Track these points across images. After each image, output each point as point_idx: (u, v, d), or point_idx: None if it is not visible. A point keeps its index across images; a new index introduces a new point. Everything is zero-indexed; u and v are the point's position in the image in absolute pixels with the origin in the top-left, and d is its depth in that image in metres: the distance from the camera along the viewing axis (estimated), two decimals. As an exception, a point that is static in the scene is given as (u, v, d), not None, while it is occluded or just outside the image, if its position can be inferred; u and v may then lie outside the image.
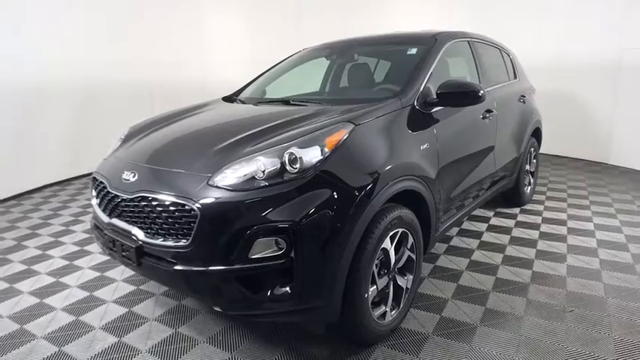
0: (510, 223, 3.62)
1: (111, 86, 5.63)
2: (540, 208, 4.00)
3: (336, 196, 1.66)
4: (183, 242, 1.65)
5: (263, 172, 1.65)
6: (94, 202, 2.12)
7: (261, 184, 1.63)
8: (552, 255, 2.98)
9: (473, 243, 3.22)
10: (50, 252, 3.25)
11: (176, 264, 1.67)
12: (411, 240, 2.12)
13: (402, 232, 2.04)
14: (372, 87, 2.76)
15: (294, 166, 1.65)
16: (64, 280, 2.78)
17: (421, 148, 2.17)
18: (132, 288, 2.62)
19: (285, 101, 2.59)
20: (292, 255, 1.58)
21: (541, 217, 3.73)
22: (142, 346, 2.04)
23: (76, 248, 3.31)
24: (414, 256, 2.17)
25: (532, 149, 4.01)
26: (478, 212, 3.87)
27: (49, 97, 4.99)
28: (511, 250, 3.07)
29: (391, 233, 1.94)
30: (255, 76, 3.34)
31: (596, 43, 5.47)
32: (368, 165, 1.83)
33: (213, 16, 6.92)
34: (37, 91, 4.84)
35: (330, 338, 2.07)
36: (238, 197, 1.60)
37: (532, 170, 4.12)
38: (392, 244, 1.98)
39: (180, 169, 1.80)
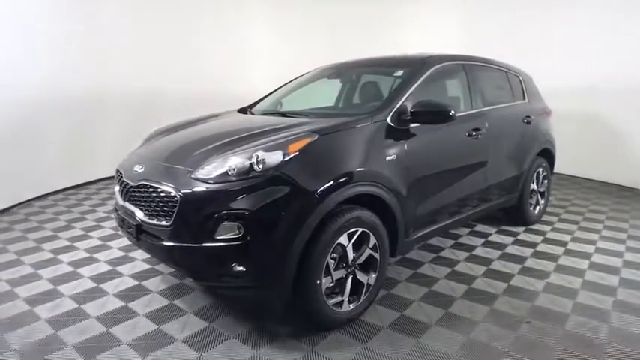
0: (509, 240, 3.68)
1: (163, 97, 6.34)
2: (547, 228, 3.99)
3: (290, 193, 1.98)
4: (167, 222, 2.04)
5: (234, 169, 2.01)
6: (116, 189, 2.60)
7: (232, 179, 1.99)
8: (536, 272, 3.04)
9: (462, 255, 3.34)
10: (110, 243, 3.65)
11: (162, 240, 2.07)
12: (373, 240, 2.37)
13: (363, 231, 2.30)
14: (359, 104, 3.05)
15: (259, 167, 2.00)
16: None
17: (387, 159, 2.42)
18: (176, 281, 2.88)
19: (283, 114, 2.95)
20: (248, 238, 1.92)
21: (543, 237, 3.74)
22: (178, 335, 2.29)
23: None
24: (377, 256, 2.42)
25: (540, 169, 4.03)
26: (480, 228, 3.96)
27: (110, 105, 5.76)
28: (497, 265, 3.17)
29: (349, 231, 2.22)
30: (270, 91, 3.76)
31: (632, 65, 5.29)
32: (325, 169, 2.13)
33: (256, 35, 7.49)
34: (99, 99, 5.62)
35: (294, 319, 2.36)
36: (210, 188, 1.98)
37: (541, 191, 4.13)
38: (350, 241, 2.24)
39: (174, 165, 2.21)
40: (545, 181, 4.17)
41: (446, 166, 2.89)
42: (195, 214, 1.96)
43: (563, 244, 3.60)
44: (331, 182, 2.11)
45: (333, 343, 2.19)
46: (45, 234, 3.78)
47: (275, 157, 2.02)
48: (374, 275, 2.42)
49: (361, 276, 2.36)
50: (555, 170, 6.23)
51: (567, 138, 5.95)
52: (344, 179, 2.16)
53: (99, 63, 5.48)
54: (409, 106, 2.59)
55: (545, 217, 4.28)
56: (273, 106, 3.39)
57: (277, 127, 2.42)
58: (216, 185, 1.98)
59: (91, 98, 5.45)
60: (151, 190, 2.16)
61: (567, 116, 5.94)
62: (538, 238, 3.72)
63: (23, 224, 4.06)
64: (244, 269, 1.96)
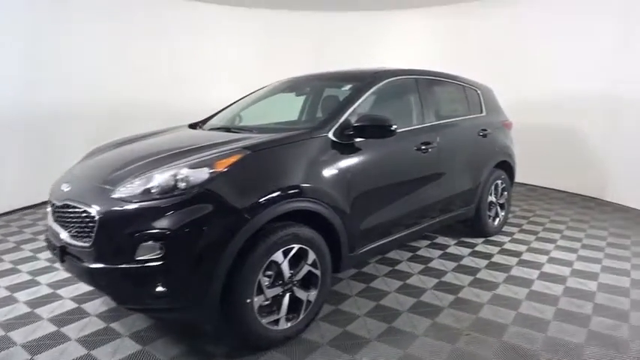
0: (466, 252, 3.69)
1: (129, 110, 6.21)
2: (506, 239, 4.01)
3: (215, 211, 1.96)
4: (87, 243, 1.99)
5: (157, 187, 1.98)
6: (48, 208, 2.53)
7: (154, 198, 1.96)
8: (486, 283, 3.04)
9: (417, 268, 3.33)
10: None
11: (83, 261, 2.01)
12: (312, 256, 2.35)
13: (300, 248, 2.27)
14: (309, 119, 3.06)
15: (183, 184, 1.97)
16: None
17: (326, 174, 2.42)
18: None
19: (228, 129, 2.94)
20: (169, 259, 1.88)
21: (500, 248, 3.76)
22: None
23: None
24: (317, 272, 2.39)
25: (499, 181, 4.07)
26: (441, 240, 3.97)
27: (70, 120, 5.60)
28: (449, 277, 3.16)
29: (284, 248, 2.19)
30: (226, 105, 3.74)
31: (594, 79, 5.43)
32: (255, 186, 2.12)
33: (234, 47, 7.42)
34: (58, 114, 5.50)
35: (230, 339, 2.31)
36: (130, 207, 1.95)
37: (501, 202, 4.16)
38: (285, 258, 2.21)
39: (96, 183, 2.17)
40: (505, 193, 4.21)
41: (393, 180, 2.90)
42: (114, 235, 1.93)
43: (518, 254, 3.62)
44: (261, 199, 2.10)
45: (267, 361, 2.14)
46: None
47: (200, 174, 2.00)
48: (314, 292, 2.39)
49: (300, 293, 2.33)
50: (524, 181, 6.40)
51: (537, 150, 6.11)
52: (276, 196, 2.15)
53: (61, 77, 5.37)
54: (353, 121, 2.60)
55: (506, 228, 4.31)
56: (226, 120, 3.37)
57: (213, 143, 2.41)
58: (136, 204, 1.95)
59: (51, 113, 5.29)
60: (73, 210, 2.11)
61: (539, 129, 6.09)
62: (495, 250, 3.74)
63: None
64: (166, 290, 1.91)
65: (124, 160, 2.37)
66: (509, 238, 4.04)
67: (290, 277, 2.27)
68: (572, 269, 3.28)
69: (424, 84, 3.36)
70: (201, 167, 2.03)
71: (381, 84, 2.98)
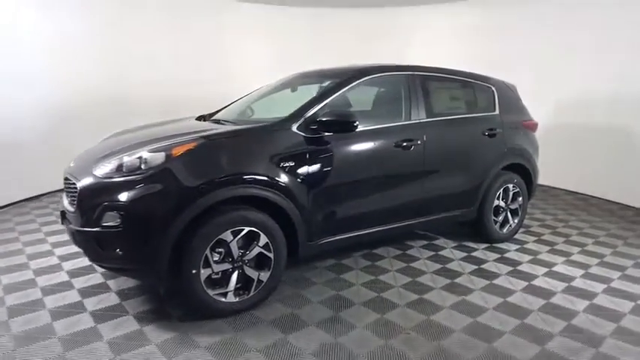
0: (459, 255, 3.58)
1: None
2: (512, 248, 3.79)
3: (165, 190, 2.25)
4: (73, 209, 2.42)
5: (125, 167, 2.33)
6: None
7: (120, 175, 2.31)
8: (458, 288, 2.97)
9: (398, 265, 3.33)
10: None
11: (70, 224, 2.45)
12: (264, 240, 2.54)
13: (250, 230, 2.48)
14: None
15: (144, 165, 2.29)
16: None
17: (285, 165, 2.58)
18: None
19: (217, 121, 3.22)
20: (125, 226, 2.22)
21: (499, 256, 3.58)
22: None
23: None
24: (270, 255, 2.58)
25: (510, 185, 3.84)
26: (441, 242, 3.88)
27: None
28: (425, 278, 3.13)
29: (233, 229, 2.42)
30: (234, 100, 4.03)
31: None
32: (205, 170, 2.36)
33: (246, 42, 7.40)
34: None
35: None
36: (100, 182, 2.32)
37: (512, 208, 3.92)
38: (234, 238, 2.44)
39: (90, 162, 2.58)
40: (520, 199, 3.96)
41: (363, 176, 2.95)
42: (88, 203, 2.31)
43: (516, 264, 3.42)
44: (209, 183, 2.34)
45: (208, 327, 2.40)
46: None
47: (157, 158, 2.31)
48: (267, 273, 2.59)
49: (250, 272, 2.54)
50: (574, 189, 5.85)
51: (595, 155, 5.55)
52: (223, 181, 2.38)
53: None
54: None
55: (521, 237, 4.06)
56: (231, 113, 3.65)
57: (190, 132, 2.70)
58: (106, 180, 2.32)
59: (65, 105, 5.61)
60: (69, 182, 2.56)
61: (595, 131, 5.54)
62: (492, 257, 3.57)
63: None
64: (123, 253, 2.26)
65: (119, 144, 2.76)
66: (518, 247, 3.81)
67: (240, 256, 2.50)
68: (568, 286, 3.03)
69: (417, 80, 3.31)
70: (159, 152, 2.34)
71: (361, 80, 3.03)
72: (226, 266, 2.47)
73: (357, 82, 3.03)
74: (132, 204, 2.22)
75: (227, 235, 2.42)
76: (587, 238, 4.10)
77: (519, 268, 3.35)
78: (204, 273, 2.38)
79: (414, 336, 2.37)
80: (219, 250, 2.44)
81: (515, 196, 3.94)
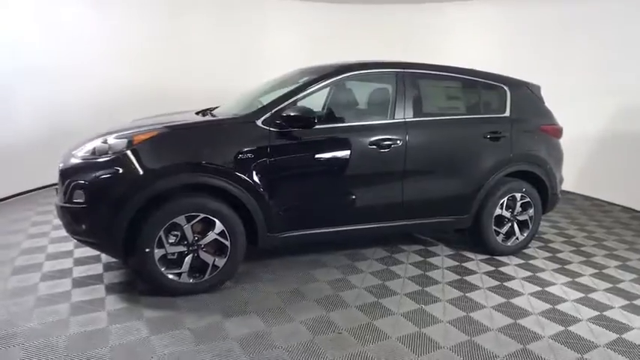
0: (450, 264, 3.37)
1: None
2: (514, 262, 3.47)
3: (123, 173, 2.48)
4: (58, 187, 2.76)
5: (97, 151, 2.60)
6: None
7: (89, 158, 2.59)
8: (424, 297, 2.82)
9: (376, 268, 3.25)
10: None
11: (56, 198, 2.81)
12: (220, 227, 2.67)
13: (205, 217, 2.62)
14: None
15: (110, 150, 2.55)
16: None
17: (242, 157, 2.67)
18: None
19: (210, 114, 3.40)
20: (87, 204, 2.49)
21: (492, 269, 3.31)
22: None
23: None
24: (227, 243, 2.70)
25: (517, 194, 3.51)
26: (437, 249, 3.68)
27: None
28: (396, 283, 3.01)
29: (187, 214, 2.58)
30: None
31: None
32: (163, 158, 2.55)
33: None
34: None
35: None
36: (74, 164, 2.61)
37: (521, 219, 3.58)
38: (188, 223, 2.60)
39: (76, 146, 2.90)
40: (530, 210, 3.59)
41: (330, 173, 2.94)
42: (64, 182, 2.62)
43: (506, 279, 3.14)
44: (165, 169, 2.53)
45: (156, 303, 2.59)
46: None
47: (120, 144, 2.55)
48: (223, 259, 2.72)
49: (205, 257, 2.68)
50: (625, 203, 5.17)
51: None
52: (179, 168, 2.55)
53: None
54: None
55: (533, 252, 3.70)
56: (228, 107, 3.80)
57: (167, 120, 2.91)
58: (79, 162, 2.61)
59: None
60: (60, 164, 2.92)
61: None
62: (485, 269, 3.31)
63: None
64: (86, 228, 2.54)
65: (109, 131, 3.09)
66: (521, 262, 3.48)
67: (195, 241, 2.65)
68: (551, 308, 2.72)
69: (407, 78, 3.18)
70: (123, 139, 2.58)
71: (340, 77, 3.01)
72: (181, 249, 2.64)
73: (335, 79, 3.01)
74: (93, 184, 2.49)
75: (181, 220, 2.59)
76: (612, 259, 3.60)
77: (507, 284, 3.07)
78: (157, 253, 2.57)
79: (344, 336, 2.34)
80: (176, 233, 2.62)
81: (525, 206, 3.59)
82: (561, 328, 2.49)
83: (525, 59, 5.99)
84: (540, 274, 3.25)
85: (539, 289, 3.01)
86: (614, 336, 2.44)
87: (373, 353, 2.20)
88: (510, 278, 3.17)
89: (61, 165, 2.72)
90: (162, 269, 2.61)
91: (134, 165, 2.51)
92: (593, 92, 5.50)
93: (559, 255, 3.68)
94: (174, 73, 6.38)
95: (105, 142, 2.60)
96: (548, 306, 2.75)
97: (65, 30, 5.31)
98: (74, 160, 2.65)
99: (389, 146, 3.03)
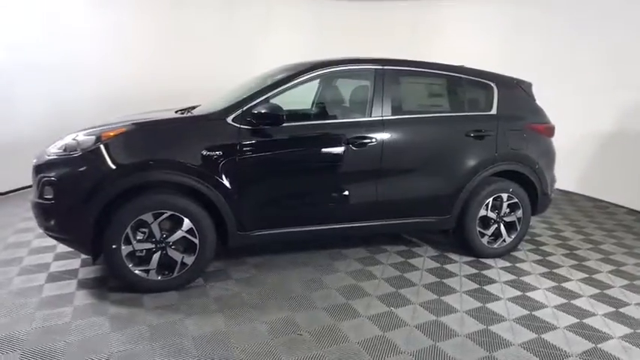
0: (431, 266, 3.28)
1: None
2: (500, 264, 3.35)
3: (90, 170, 2.50)
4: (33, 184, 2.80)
5: (67, 147, 2.62)
6: None
7: (59, 154, 2.60)
8: (395, 299, 2.75)
9: (354, 267, 3.19)
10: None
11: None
12: (188, 225, 2.66)
13: (173, 214, 2.61)
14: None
15: (78, 147, 2.56)
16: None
17: (211, 154, 2.65)
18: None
19: (182, 110, 3.38)
20: (55, 200, 2.51)
21: (475, 272, 3.20)
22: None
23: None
24: (195, 240, 2.69)
25: (504, 195, 3.38)
26: (420, 249, 3.59)
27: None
28: (370, 284, 2.94)
29: (154, 211, 2.58)
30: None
31: None
32: (129, 154, 2.56)
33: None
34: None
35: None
36: (45, 160, 2.63)
37: (508, 220, 3.45)
38: (155, 220, 2.59)
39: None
40: (519, 211, 3.46)
41: (301, 172, 2.89)
42: (35, 178, 2.65)
43: (486, 282, 3.03)
44: (130, 166, 2.53)
45: (123, 300, 2.60)
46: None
47: (88, 141, 2.56)
48: (192, 257, 2.70)
49: (174, 254, 2.68)
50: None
51: None
52: (145, 165, 2.55)
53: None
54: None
55: (521, 254, 3.56)
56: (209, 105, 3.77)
57: (138, 117, 2.92)
58: (48, 158, 2.63)
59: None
60: None
61: None
62: (466, 271, 3.20)
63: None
64: (54, 224, 2.56)
65: (89, 126, 3.12)
66: (506, 265, 3.36)
67: (163, 238, 2.65)
68: (528, 314, 2.61)
69: (386, 75, 3.09)
70: (91, 135, 2.59)
71: (313, 75, 2.96)
72: (149, 246, 2.64)
73: (308, 76, 2.96)
74: (61, 180, 2.50)
75: (149, 217, 2.59)
76: (605, 263, 3.44)
77: (487, 287, 2.97)
78: (125, 249, 2.57)
79: (305, 337, 2.29)
80: (144, 230, 2.62)
81: (513, 207, 3.46)
82: (534, 336, 2.38)
83: (532, 56, 5.81)
84: (525, 278, 3.14)
85: (520, 293, 2.89)
86: (589, 345, 2.32)
87: (331, 356, 2.14)
88: (491, 282, 3.06)
89: (34, 161, 2.75)
90: (130, 266, 2.61)
91: (101, 161, 2.52)
92: (601, 89, 5.28)
93: (550, 258, 3.54)
94: (178, 70, 6.37)
95: (75, 138, 2.62)
96: (525, 312, 2.64)
97: (67, 27, 5.30)
98: (45, 157, 2.67)
99: (364, 145, 2.96)
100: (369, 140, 2.97)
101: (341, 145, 2.92)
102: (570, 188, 5.82)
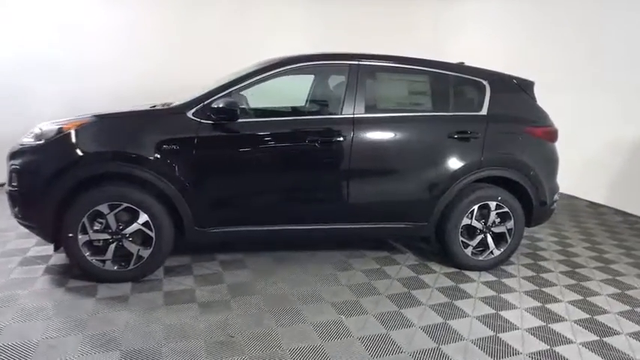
0: (406, 275, 3.07)
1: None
2: (483, 278, 3.07)
3: (50, 159, 2.57)
4: None
5: (34, 136, 2.70)
6: None
7: (29, 143, 2.69)
8: (352, 308, 2.58)
9: (326, 271, 3.05)
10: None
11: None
12: (144, 218, 2.66)
13: (128, 206, 2.63)
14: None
15: (42, 136, 2.64)
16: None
17: (168, 148, 2.63)
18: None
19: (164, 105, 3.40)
20: (18, 188, 2.60)
21: (451, 285, 2.95)
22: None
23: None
24: (151, 234, 2.69)
25: (492, 203, 3.09)
26: (403, 257, 3.38)
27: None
28: (333, 291, 2.80)
29: (110, 202, 2.60)
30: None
31: None
32: (87, 145, 2.59)
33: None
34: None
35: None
36: (15, 149, 2.73)
37: (497, 231, 3.15)
38: (111, 212, 2.62)
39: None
40: (510, 222, 3.16)
41: (261, 170, 2.80)
42: (7, 166, 2.77)
43: (462, 297, 2.78)
44: (88, 157, 2.57)
45: (78, 288, 2.64)
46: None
47: (51, 131, 2.62)
48: (148, 250, 2.71)
49: (130, 246, 2.69)
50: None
51: None
52: (100, 156, 2.59)
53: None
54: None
55: (512, 268, 3.25)
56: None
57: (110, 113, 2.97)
58: (17, 147, 2.73)
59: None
60: None
61: None
62: (443, 283, 2.96)
63: None
64: (20, 211, 2.66)
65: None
66: (489, 280, 3.07)
67: (119, 229, 2.67)
68: (492, 336, 2.35)
69: (361, 71, 2.92)
70: (55, 126, 2.65)
71: (281, 70, 2.85)
72: (105, 236, 2.67)
73: (275, 71, 2.85)
74: (24, 168, 2.59)
75: (104, 208, 2.61)
76: (609, 285, 3.05)
77: (458, 302, 2.72)
78: (82, 238, 2.62)
79: (236, 340, 2.20)
80: (101, 220, 2.66)
81: (504, 217, 3.16)
82: (488, 360, 2.15)
83: (560, 56, 5.34)
84: (505, 295, 2.85)
85: (493, 312, 2.62)
86: (550, 377, 2.05)
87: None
88: (465, 296, 2.81)
89: (8, 150, 2.88)
90: (87, 255, 2.65)
91: (61, 151, 2.58)
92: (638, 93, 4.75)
93: (544, 275, 3.20)
94: (189, 68, 6.45)
95: (41, 128, 2.71)
96: (489, 333, 2.39)
97: (79, 25, 5.49)
98: (15, 146, 2.79)
99: (329, 143, 2.82)
100: (335, 138, 2.82)
101: (304, 143, 2.81)
102: (600, 200, 5.29)
